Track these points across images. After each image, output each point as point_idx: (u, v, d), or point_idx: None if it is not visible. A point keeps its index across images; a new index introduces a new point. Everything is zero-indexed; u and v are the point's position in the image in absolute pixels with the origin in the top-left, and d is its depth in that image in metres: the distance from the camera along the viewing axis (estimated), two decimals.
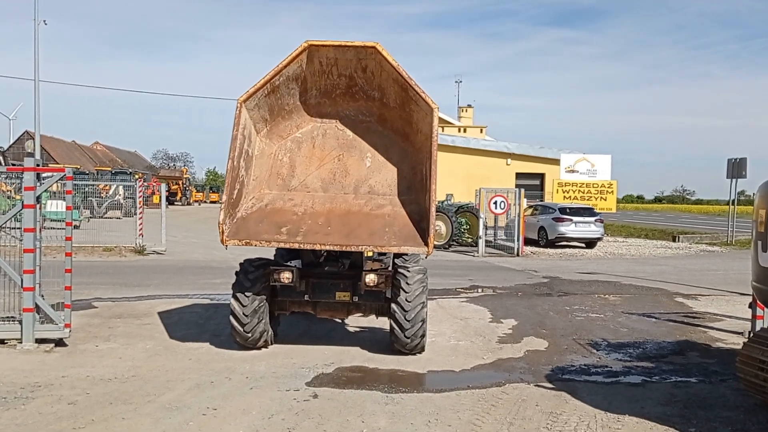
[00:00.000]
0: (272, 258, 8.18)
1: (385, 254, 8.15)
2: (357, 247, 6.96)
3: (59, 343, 7.57)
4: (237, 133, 7.16)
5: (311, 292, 7.52)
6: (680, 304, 11.71)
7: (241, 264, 7.53)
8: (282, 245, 7.22)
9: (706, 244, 26.67)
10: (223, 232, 6.96)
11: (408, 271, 7.38)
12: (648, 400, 6.10)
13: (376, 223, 7.18)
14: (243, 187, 7.44)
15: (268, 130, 7.81)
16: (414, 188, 7.65)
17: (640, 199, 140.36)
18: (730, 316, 10.39)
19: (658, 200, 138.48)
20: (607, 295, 12.44)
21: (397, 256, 8.39)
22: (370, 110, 7.79)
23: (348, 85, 7.56)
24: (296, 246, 7.10)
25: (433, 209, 6.91)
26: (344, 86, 7.58)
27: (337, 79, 7.50)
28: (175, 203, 57.55)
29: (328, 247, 7.06)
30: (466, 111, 52.55)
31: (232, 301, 7.30)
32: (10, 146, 62.91)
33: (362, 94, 7.64)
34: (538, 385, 6.49)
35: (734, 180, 26.44)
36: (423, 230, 6.99)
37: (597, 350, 8.05)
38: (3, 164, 32.51)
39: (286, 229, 7.12)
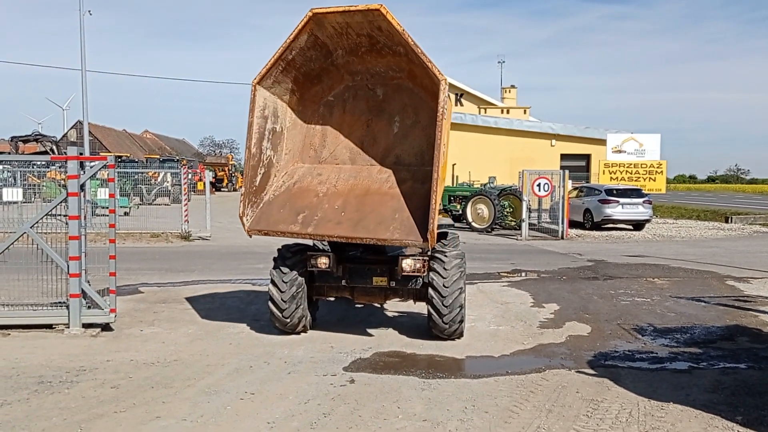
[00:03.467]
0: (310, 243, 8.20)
1: None
2: (362, 239, 6.86)
3: (105, 327, 7.76)
4: (253, 119, 7.11)
5: (348, 277, 7.51)
6: (731, 287, 11.33)
7: (278, 250, 7.57)
8: (294, 237, 7.20)
9: (760, 225, 25.76)
10: (244, 224, 7.13)
11: (445, 255, 7.29)
12: (694, 387, 5.91)
13: (388, 208, 6.97)
14: (271, 168, 7.45)
15: (298, 98, 7.64)
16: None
17: (692, 179, 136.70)
18: None
19: (711, 180, 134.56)
20: (654, 279, 12.13)
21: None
22: (399, 65, 7.34)
23: (370, 42, 7.12)
24: (307, 238, 7.14)
25: (435, 198, 6.53)
26: (367, 44, 7.16)
27: (357, 39, 7.09)
28: (222, 189, 58.42)
29: (335, 239, 7.05)
30: (510, 92, 51.59)
31: (271, 286, 7.35)
32: (63, 136, 64.81)
33: (388, 50, 7.16)
34: (580, 372, 6.36)
35: None
36: (425, 219, 6.61)
37: (642, 336, 7.85)
38: (56, 154, 33.48)
39: (303, 216, 7.12)
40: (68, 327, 7.54)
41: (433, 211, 6.52)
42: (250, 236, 7.30)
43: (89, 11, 31.88)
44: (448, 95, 6.93)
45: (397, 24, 6.56)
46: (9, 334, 7.45)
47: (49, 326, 7.63)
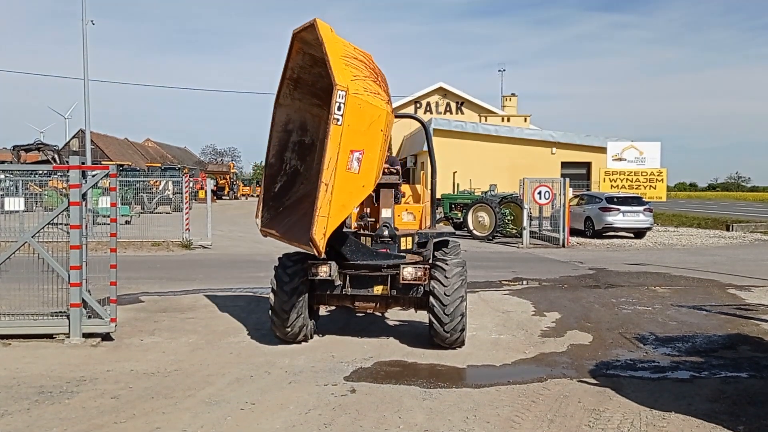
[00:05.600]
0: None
1: (425, 246, 8.07)
2: (287, 242, 6.97)
3: (106, 337, 7.75)
4: (273, 133, 7.47)
5: (349, 285, 7.51)
6: (732, 295, 11.32)
7: (279, 258, 7.58)
8: (271, 237, 7.43)
9: (761, 233, 25.73)
10: (257, 224, 7.41)
11: (446, 264, 7.29)
12: (696, 397, 5.90)
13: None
14: (296, 176, 7.70)
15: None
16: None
17: (692, 186, 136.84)
18: None
19: (711, 188, 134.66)
20: (655, 287, 12.11)
21: (436, 248, 8.31)
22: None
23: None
24: (269, 236, 7.38)
25: (317, 205, 6.41)
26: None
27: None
28: (223, 197, 58.44)
29: (279, 240, 7.21)
30: (510, 100, 51.56)
31: (271, 295, 7.35)
32: (65, 144, 64.94)
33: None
34: (581, 381, 6.34)
35: None
36: (310, 226, 6.49)
37: (644, 344, 7.83)
38: (58, 163, 33.51)
39: (287, 219, 7.41)
40: (68, 337, 7.53)
41: (317, 218, 6.40)
42: (264, 236, 7.50)
43: (92, 21, 32.22)
44: (387, 108, 6.81)
45: (319, 34, 6.62)
46: (10, 344, 7.44)
47: (50, 336, 7.61)
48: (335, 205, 6.51)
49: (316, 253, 6.49)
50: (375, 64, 7.18)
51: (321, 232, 6.43)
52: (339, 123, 6.50)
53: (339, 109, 6.48)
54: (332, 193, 6.47)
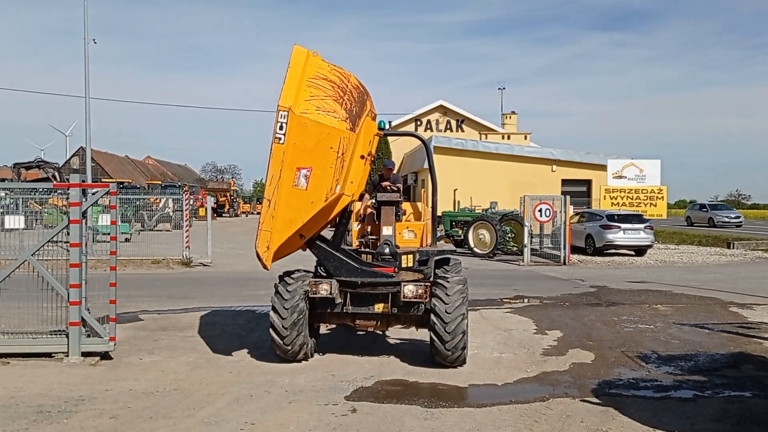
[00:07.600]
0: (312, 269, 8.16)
1: (426, 264, 8.05)
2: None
3: (105, 356, 7.70)
4: None
5: (350, 303, 7.48)
6: (735, 314, 11.26)
7: (279, 276, 7.55)
8: None
9: (762, 250, 25.68)
10: None
11: (447, 281, 7.27)
12: (699, 416, 5.84)
13: None
14: None
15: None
16: None
17: (693, 204, 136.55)
18: None
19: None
20: (657, 305, 12.06)
21: (437, 265, 8.28)
22: None
23: None
24: None
25: (260, 220, 6.86)
26: None
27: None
28: (223, 215, 58.47)
29: None
30: (510, 118, 51.65)
31: (272, 313, 7.32)
32: (65, 162, 65.06)
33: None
34: (584, 400, 6.29)
35: None
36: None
37: (646, 363, 7.78)
38: (58, 180, 33.53)
39: None
40: (67, 355, 7.48)
41: (260, 232, 6.78)
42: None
43: (93, 40, 32.39)
44: (341, 125, 6.81)
45: (290, 60, 6.85)
46: (9, 363, 7.39)
47: (49, 355, 7.57)
48: (280, 220, 6.76)
49: (262, 266, 6.83)
50: (352, 83, 7.16)
51: (264, 245, 6.76)
52: (281, 142, 6.68)
53: (281, 128, 6.68)
54: (275, 208, 6.72)
